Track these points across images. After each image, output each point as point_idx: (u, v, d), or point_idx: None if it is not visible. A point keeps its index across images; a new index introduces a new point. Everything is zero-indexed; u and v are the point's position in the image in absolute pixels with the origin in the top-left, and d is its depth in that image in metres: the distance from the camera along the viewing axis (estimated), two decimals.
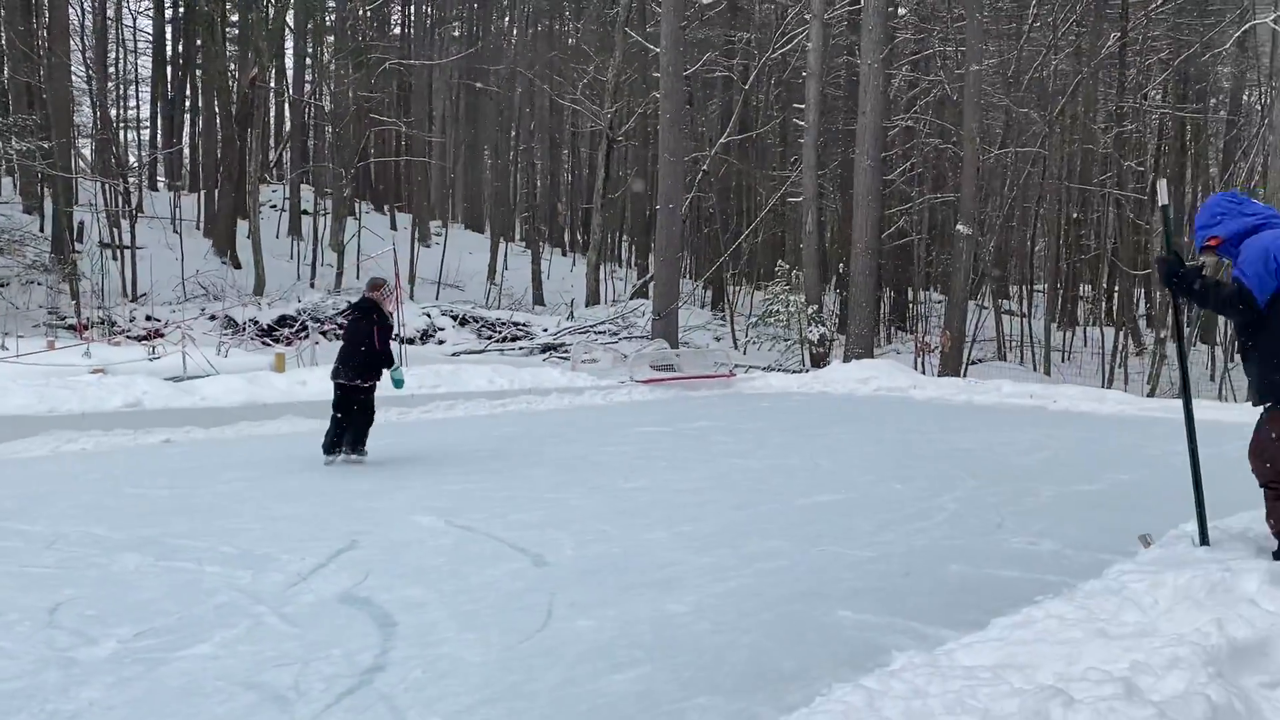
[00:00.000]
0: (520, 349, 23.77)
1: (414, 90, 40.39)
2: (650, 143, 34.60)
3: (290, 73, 39.46)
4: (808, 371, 20.33)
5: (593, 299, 30.30)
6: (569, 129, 43.92)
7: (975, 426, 12.23)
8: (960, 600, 4.65)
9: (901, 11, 29.70)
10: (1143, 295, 34.08)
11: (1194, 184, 33.89)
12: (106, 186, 27.65)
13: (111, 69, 35.51)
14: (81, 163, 29.41)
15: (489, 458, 9.21)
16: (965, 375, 21.75)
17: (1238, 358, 4.72)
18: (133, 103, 40.45)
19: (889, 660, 3.66)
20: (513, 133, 42.96)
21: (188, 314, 22.11)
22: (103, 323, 20.94)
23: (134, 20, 39.29)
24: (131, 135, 39.66)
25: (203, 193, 34.33)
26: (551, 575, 5.08)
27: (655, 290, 22.32)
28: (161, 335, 20.07)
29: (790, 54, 28.39)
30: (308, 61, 37.91)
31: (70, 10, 28.48)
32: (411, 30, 44.38)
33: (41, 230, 25.70)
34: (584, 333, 24.69)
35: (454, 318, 25.67)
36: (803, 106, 23.65)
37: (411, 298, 28.49)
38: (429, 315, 25.40)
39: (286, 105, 40.28)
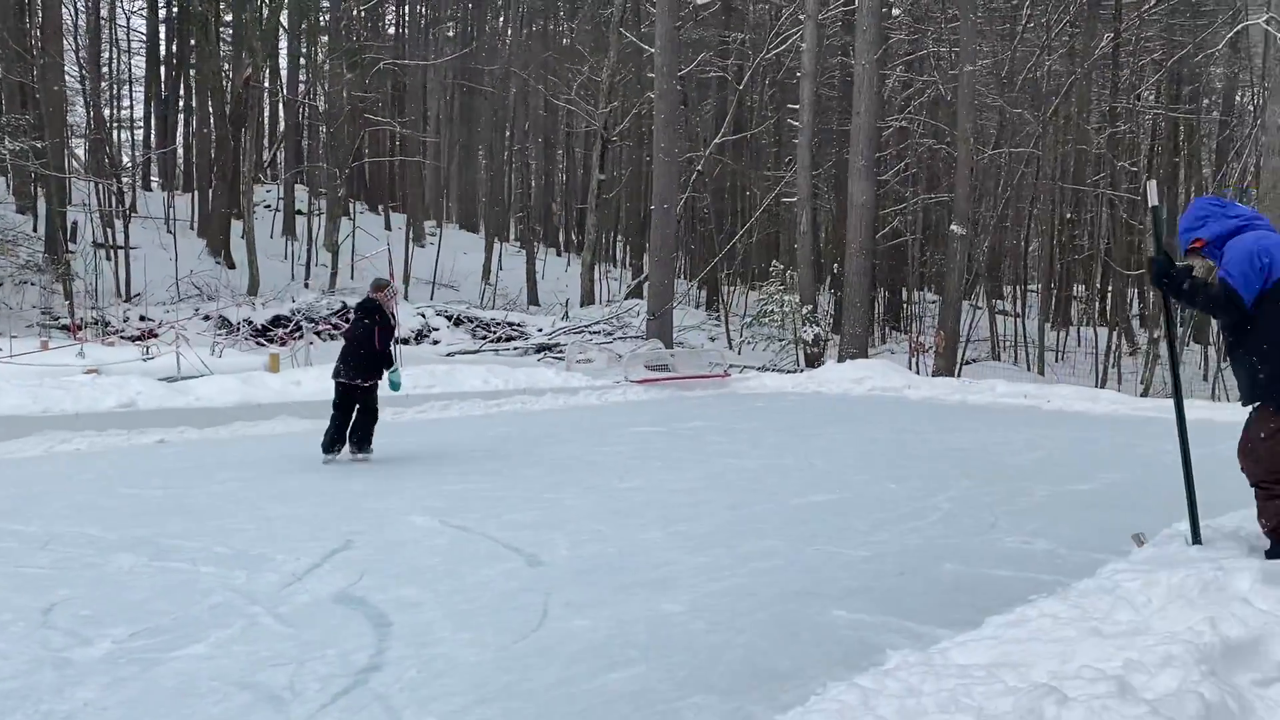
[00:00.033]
0: (515, 349, 23.76)
1: (408, 90, 40.37)
2: (645, 143, 34.58)
3: (284, 73, 39.42)
4: (802, 371, 20.35)
5: (587, 299, 30.31)
6: (564, 129, 43.93)
7: (969, 426, 12.26)
8: (954, 599, 4.66)
9: (896, 12, 29.72)
10: (1136, 295, 34.20)
11: (1187, 184, 33.99)
12: (100, 186, 27.58)
13: (105, 69, 35.44)
14: (75, 163, 29.32)
15: (484, 458, 9.21)
16: (959, 375, 21.81)
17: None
18: (126, 102, 40.46)
19: (883, 659, 3.67)
20: (507, 133, 42.93)
21: (182, 314, 22.05)
22: (96, 323, 20.89)
23: (128, 20, 39.24)
24: (125, 135, 39.65)
25: (197, 193, 34.26)
26: (547, 575, 5.08)
27: (650, 290, 22.33)
28: (155, 335, 20.02)
29: (785, 54, 28.46)
30: (302, 61, 37.90)
31: (64, 10, 28.42)
32: (406, 30, 44.38)
33: (35, 230, 25.61)
34: (579, 333, 24.69)
35: (449, 318, 25.65)
36: (797, 107, 23.67)
37: (406, 298, 28.41)
38: (423, 315, 25.38)
39: (281, 105, 40.22)
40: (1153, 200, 5.03)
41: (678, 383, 17.28)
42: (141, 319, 21.92)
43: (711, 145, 29.75)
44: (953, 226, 22.43)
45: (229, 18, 31.98)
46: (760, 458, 9.40)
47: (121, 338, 20.07)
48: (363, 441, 8.92)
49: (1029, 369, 27.98)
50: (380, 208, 41.88)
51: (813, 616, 4.39)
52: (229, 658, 3.84)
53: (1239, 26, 22.58)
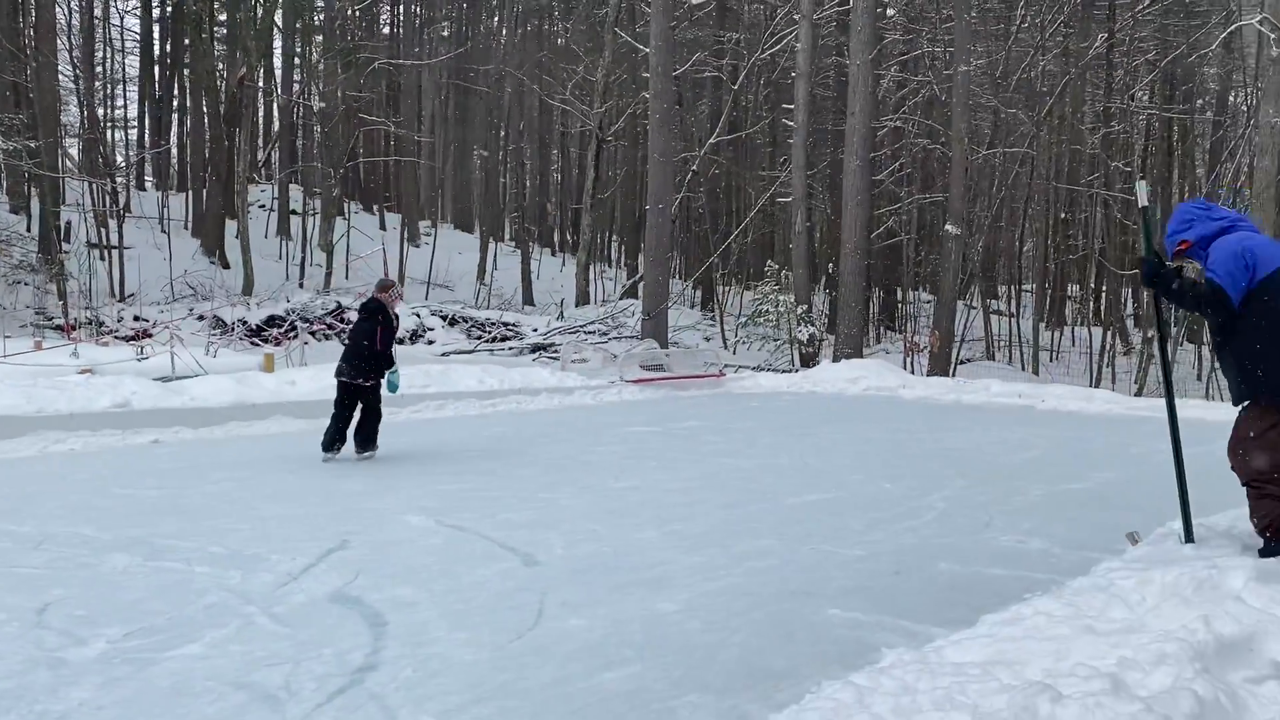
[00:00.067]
0: (510, 349, 23.76)
1: (403, 90, 40.33)
2: (640, 143, 34.59)
3: (279, 72, 39.30)
4: (797, 371, 20.36)
5: (582, 299, 30.31)
6: (558, 129, 43.91)
7: (964, 426, 12.27)
8: (949, 598, 4.67)
9: (890, 12, 29.77)
10: (1130, 295, 34.26)
11: (1181, 184, 34.08)
12: (94, 186, 27.51)
13: (99, 68, 35.40)
14: (69, 162, 29.24)
15: (479, 457, 9.21)
16: (954, 375, 21.84)
17: None
18: (120, 102, 40.36)
19: (879, 658, 3.67)
20: (502, 132, 42.93)
21: (176, 314, 22.03)
22: (90, 323, 20.85)
23: (121, 19, 39.20)
24: (119, 135, 39.55)
25: (191, 192, 34.21)
26: (542, 574, 5.09)
27: (645, 290, 22.33)
28: (149, 335, 19.98)
29: (779, 54, 28.46)
30: (296, 61, 37.78)
31: (58, 9, 28.34)
32: (400, 30, 44.36)
33: (29, 230, 25.57)
34: (574, 333, 24.69)
35: (443, 318, 25.64)
36: (792, 107, 23.70)
37: (401, 298, 28.43)
38: (418, 315, 25.37)
39: (275, 105, 40.12)
40: (1143, 201, 5.07)
41: (673, 383, 17.28)
42: (136, 319, 21.88)
43: (706, 145, 29.75)
44: (947, 226, 22.47)
45: (223, 17, 31.97)
46: (755, 457, 9.41)
47: (116, 338, 20.03)
48: (367, 441, 8.98)
49: (1023, 369, 28.02)
50: (375, 207, 41.82)
51: (808, 615, 4.40)
52: (224, 657, 3.83)
53: (1233, 27, 22.62)
